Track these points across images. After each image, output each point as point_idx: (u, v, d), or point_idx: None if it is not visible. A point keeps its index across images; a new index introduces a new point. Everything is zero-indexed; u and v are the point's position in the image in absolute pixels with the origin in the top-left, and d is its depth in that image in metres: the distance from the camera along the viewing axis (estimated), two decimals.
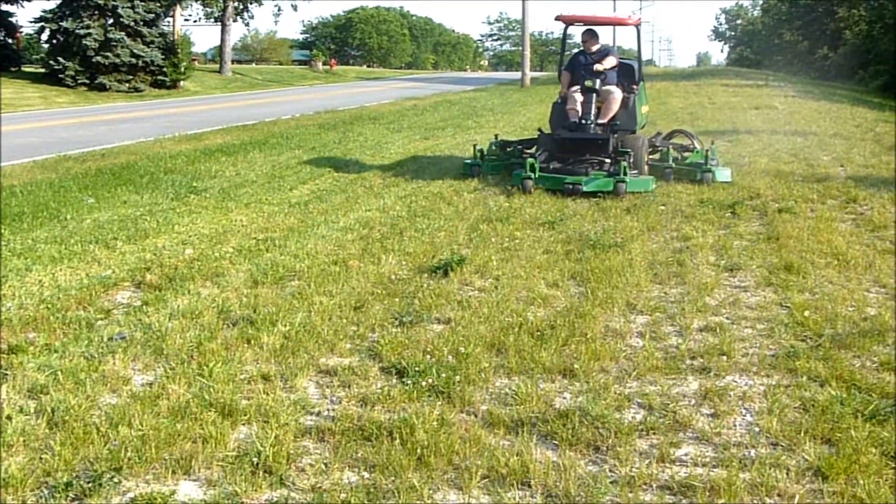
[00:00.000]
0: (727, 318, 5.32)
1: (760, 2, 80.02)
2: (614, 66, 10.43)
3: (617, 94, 10.26)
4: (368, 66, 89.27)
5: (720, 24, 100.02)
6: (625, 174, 9.33)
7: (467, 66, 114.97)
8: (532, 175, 9.60)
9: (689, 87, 29.63)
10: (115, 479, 3.32)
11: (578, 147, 10.08)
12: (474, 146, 11.27)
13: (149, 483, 3.36)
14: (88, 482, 3.28)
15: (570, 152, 10.12)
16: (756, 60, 68.13)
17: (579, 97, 10.26)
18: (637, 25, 11.23)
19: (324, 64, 65.31)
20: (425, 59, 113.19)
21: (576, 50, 11.39)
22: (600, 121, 10.13)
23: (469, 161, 11.18)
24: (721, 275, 6.30)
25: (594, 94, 10.14)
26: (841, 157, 12.18)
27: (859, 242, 7.23)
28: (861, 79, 41.21)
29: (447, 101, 27.17)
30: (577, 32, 11.39)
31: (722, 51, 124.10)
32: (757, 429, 3.79)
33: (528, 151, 10.84)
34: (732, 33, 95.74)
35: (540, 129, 11.10)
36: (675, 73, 49.43)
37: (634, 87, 10.74)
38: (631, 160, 9.72)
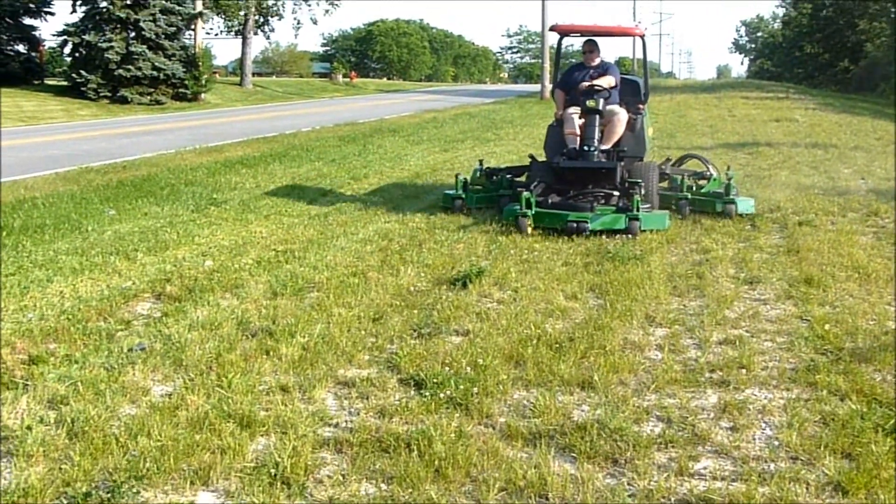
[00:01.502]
0: (747, 332, 5.29)
1: (781, 14, 79.81)
2: (613, 86, 9.18)
3: (622, 116, 8.97)
4: (388, 79, 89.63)
5: (740, 37, 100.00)
6: (637, 209, 8.08)
7: (487, 79, 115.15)
8: (528, 212, 8.22)
9: (709, 100, 29.57)
10: (134, 490, 3.33)
11: (580, 177, 8.70)
12: (457, 176, 9.75)
13: (167, 493, 3.37)
14: (107, 492, 3.30)
15: (570, 183, 8.75)
16: (776, 73, 67.92)
17: (578, 119, 8.95)
18: (643, 36, 9.88)
19: (344, 76, 65.63)
20: (445, 71, 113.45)
21: (573, 62, 10.43)
22: (603, 146, 8.79)
23: (450, 192, 9.60)
24: (741, 288, 6.26)
25: (597, 116, 8.83)
26: (862, 170, 12.11)
27: (880, 256, 7.17)
28: (882, 91, 40.94)
29: (467, 114, 27.23)
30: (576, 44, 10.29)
31: (742, 63, 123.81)
32: (776, 443, 3.76)
33: (519, 181, 9.56)
34: (753, 46, 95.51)
35: (532, 156, 9.75)
36: (695, 85, 49.34)
37: (641, 106, 9.43)
38: (642, 192, 8.45)
